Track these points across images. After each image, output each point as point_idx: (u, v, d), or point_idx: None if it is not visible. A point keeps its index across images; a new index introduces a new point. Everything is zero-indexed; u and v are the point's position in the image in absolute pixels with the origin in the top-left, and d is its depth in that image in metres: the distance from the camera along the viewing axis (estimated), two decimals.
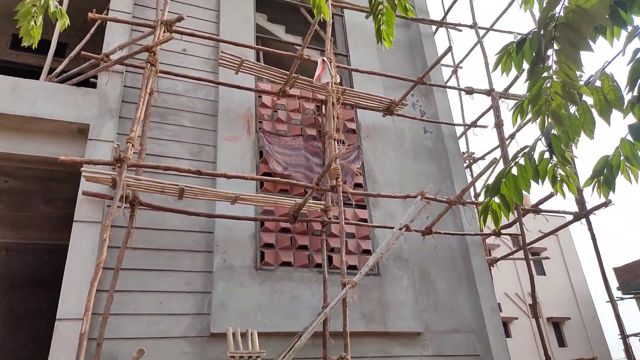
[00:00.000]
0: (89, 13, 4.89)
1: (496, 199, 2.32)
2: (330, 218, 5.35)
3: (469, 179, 7.45)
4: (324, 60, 5.38)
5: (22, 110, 4.90)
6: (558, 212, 5.96)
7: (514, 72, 2.49)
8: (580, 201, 5.96)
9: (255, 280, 5.09)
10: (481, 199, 7.05)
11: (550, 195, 5.59)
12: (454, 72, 8.70)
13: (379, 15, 2.53)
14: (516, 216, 5.67)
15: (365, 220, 5.91)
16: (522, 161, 2.20)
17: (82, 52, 5.39)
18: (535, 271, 26.39)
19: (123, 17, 5.77)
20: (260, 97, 6.24)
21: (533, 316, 5.39)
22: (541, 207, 5.81)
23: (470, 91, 6.53)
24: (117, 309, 4.50)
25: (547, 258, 8.26)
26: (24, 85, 5.02)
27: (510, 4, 7.15)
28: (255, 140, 5.90)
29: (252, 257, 5.21)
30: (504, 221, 3.20)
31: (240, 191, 5.00)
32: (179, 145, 5.58)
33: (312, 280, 5.31)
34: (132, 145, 4.24)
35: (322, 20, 6.03)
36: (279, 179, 4.86)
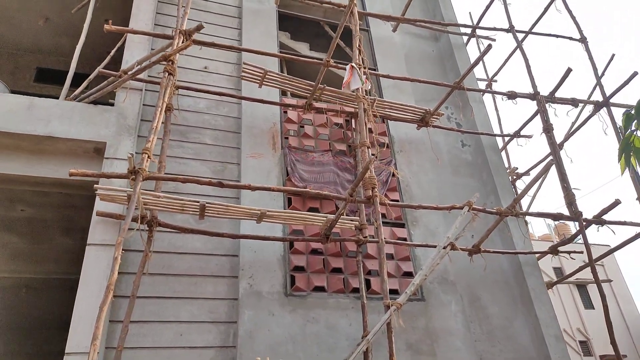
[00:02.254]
0: (105, 25, 4.67)
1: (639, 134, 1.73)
2: (365, 237, 4.82)
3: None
4: (352, 66, 5.00)
5: (36, 129, 4.64)
6: (625, 223, 5.27)
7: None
8: None
9: (285, 307, 4.55)
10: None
11: (615, 204, 4.93)
12: (489, 85, 8.22)
13: None
14: (579, 227, 5.01)
15: (404, 240, 5.35)
16: None
17: (100, 70, 5.18)
18: (583, 304, 24.72)
19: (141, 36, 5.59)
20: (285, 112, 5.89)
21: (615, 351, 4.61)
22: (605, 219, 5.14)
23: (512, 95, 6.02)
24: (133, 342, 4.03)
25: (610, 281, 7.41)
26: (38, 104, 4.79)
27: (549, 5, 6.71)
28: (281, 156, 5.50)
29: (281, 282, 4.69)
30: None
31: (266, 209, 4.55)
32: (201, 164, 5.22)
33: (349, 307, 4.73)
34: (149, 157, 3.87)
35: (348, 30, 5.73)
36: (308, 190, 4.40)
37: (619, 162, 1.75)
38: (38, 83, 8.12)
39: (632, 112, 1.66)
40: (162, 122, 4.75)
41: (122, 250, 3.46)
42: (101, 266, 4.19)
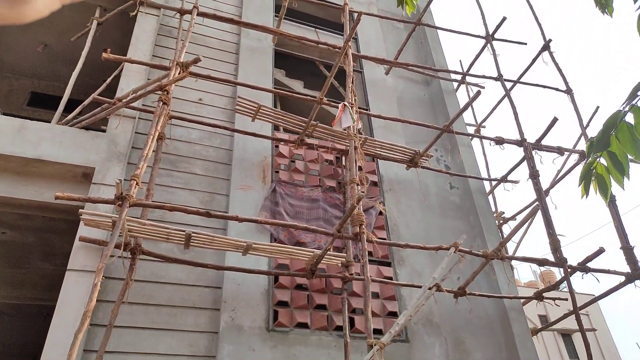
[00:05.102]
0: (103, 53, 4.74)
1: (602, 161, 1.72)
2: (351, 274, 4.78)
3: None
4: (344, 104, 5.10)
5: (24, 151, 4.62)
6: (609, 271, 5.29)
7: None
8: (632, 260, 5.31)
9: (266, 343, 4.45)
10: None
11: (600, 252, 4.98)
12: (477, 130, 8.41)
13: None
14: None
15: (390, 279, 5.31)
16: None
17: (95, 97, 5.21)
18: (568, 354, 24.42)
19: (138, 66, 5.67)
20: (277, 146, 5.95)
21: None
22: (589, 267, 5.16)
23: (500, 141, 6.15)
24: None
25: (594, 330, 7.28)
26: (30, 126, 4.79)
27: (536, 57, 6.96)
28: (270, 190, 5.50)
29: (263, 316, 4.60)
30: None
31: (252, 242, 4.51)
32: (189, 194, 5.21)
33: (332, 345, 4.64)
34: (137, 184, 3.86)
35: (342, 71, 5.88)
36: (296, 224, 4.39)
37: (579, 186, 1.77)
38: (31, 107, 8.14)
39: (596, 139, 1.69)
40: (153, 151, 4.77)
41: (103, 277, 3.39)
42: (80, 293, 4.08)
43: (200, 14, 5.95)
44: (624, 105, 1.57)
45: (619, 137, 1.57)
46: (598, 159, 1.66)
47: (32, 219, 5.26)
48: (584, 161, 1.71)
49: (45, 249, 6.00)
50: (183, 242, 4.32)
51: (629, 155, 1.59)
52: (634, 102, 1.56)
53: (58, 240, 5.78)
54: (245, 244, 4.36)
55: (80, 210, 4.11)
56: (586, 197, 1.74)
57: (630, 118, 1.55)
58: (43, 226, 5.49)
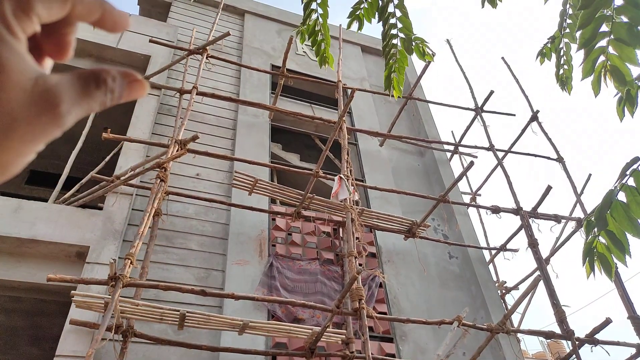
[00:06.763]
0: (103, 133, 4.85)
1: (602, 240, 1.68)
2: (352, 352, 4.59)
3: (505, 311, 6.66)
4: (340, 177, 5.16)
5: (19, 232, 4.58)
6: (618, 343, 5.09)
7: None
8: None
9: None
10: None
11: (606, 323, 4.82)
12: (473, 199, 8.46)
13: (391, 60, 2.21)
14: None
15: (392, 356, 5.09)
16: (632, 182, 1.61)
17: (94, 175, 5.27)
18: None
19: (137, 144, 5.78)
20: (274, 219, 5.93)
21: None
22: (597, 337, 4.98)
23: (496, 210, 6.17)
24: None
25: None
26: (26, 206, 4.79)
27: (525, 128, 7.17)
28: (267, 264, 5.42)
29: None
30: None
31: (249, 320, 4.37)
32: (185, 270, 5.11)
33: None
34: (132, 263, 3.79)
35: (337, 143, 6.02)
36: (293, 300, 4.27)
37: (583, 266, 1.74)
38: (29, 185, 8.19)
39: (593, 218, 1.69)
40: (149, 227, 4.74)
41: None
42: None
43: (199, 93, 6.16)
44: (616, 185, 1.60)
45: (614, 216, 1.59)
46: (597, 238, 1.66)
47: (22, 301, 5.10)
48: (584, 240, 1.70)
49: (33, 332, 5.77)
50: (177, 323, 4.18)
51: (627, 234, 1.59)
52: (624, 181, 1.59)
53: (47, 323, 5.58)
54: (241, 322, 4.22)
55: (72, 292, 4.01)
56: (593, 276, 1.71)
57: (623, 197, 1.58)
58: (33, 308, 5.32)
